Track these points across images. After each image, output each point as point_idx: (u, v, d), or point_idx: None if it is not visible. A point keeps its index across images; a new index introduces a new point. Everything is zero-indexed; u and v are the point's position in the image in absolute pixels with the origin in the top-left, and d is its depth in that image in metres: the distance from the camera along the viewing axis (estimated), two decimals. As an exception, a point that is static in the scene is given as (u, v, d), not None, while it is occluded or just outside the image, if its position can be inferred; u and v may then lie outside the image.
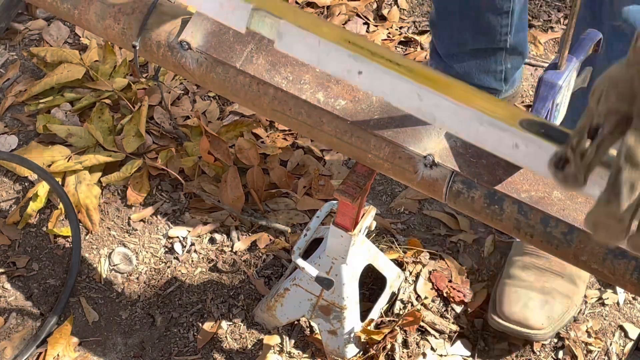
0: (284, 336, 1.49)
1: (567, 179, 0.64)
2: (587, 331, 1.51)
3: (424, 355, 1.47)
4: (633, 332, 1.51)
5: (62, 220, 1.66)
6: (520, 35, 1.67)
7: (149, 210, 1.68)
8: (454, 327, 1.51)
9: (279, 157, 1.74)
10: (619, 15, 1.29)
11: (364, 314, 1.47)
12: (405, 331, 1.48)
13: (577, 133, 0.62)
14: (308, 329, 1.51)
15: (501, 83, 1.73)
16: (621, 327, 1.52)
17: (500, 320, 1.45)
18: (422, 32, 2.08)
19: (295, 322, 1.51)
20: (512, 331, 1.45)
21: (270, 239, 1.63)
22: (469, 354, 1.49)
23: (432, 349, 1.48)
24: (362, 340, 1.45)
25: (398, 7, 2.13)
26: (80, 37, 2.01)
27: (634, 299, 1.56)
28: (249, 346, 1.49)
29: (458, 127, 0.79)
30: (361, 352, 1.46)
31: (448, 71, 1.73)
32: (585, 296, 1.53)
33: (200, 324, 1.51)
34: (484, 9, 1.58)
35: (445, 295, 1.54)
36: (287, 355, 1.47)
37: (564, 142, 0.70)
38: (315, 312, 1.42)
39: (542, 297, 1.46)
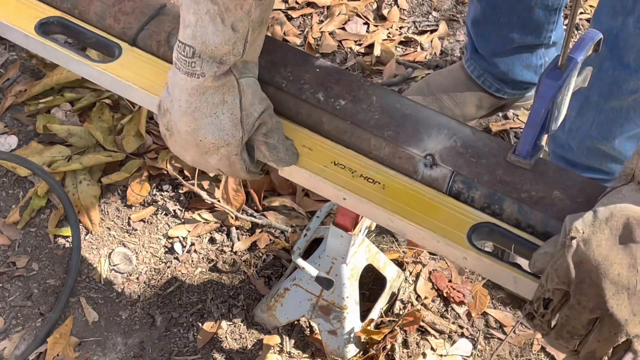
0: (284, 336, 1.49)
1: (536, 328, 0.86)
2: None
3: (424, 355, 1.47)
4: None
5: (62, 220, 1.66)
6: (559, 30, 1.68)
7: (149, 210, 1.68)
8: (454, 327, 1.51)
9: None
10: None
11: (364, 314, 1.47)
12: (405, 331, 1.48)
13: (536, 301, 0.84)
14: (308, 329, 1.51)
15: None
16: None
17: None
18: (422, 32, 2.08)
19: (295, 322, 1.51)
20: None
21: (270, 239, 1.63)
22: (469, 354, 1.49)
23: (432, 349, 1.48)
24: (362, 340, 1.45)
25: (398, 7, 2.13)
26: (80, 37, 2.01)
27: (634, 299, 1.56)
28: (249, 346, 1.49)
29: (421, 242, 0.99)
30: (361, 352, 1.46)
31: (491, 69, 1.74)
32: None
33: (200, 324, 1.51)
34: (536, 6, 1.59)
35: (445, 295, 1.54)
36: (287, 355, 1.47)
37: (498, 256, 0.93)
38: (315, 312, 1.42)
39: None
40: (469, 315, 1.53)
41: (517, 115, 1.88)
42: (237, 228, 1.65)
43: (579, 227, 0.81)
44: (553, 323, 0.85)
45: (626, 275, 0.78)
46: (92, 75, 1.15)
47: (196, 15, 0.91)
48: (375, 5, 2.15)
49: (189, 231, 1.65)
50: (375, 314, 1.49)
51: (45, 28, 1.16)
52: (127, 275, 1.59)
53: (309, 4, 2.14)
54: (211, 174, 1.05)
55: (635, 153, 0.83)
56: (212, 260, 1.61)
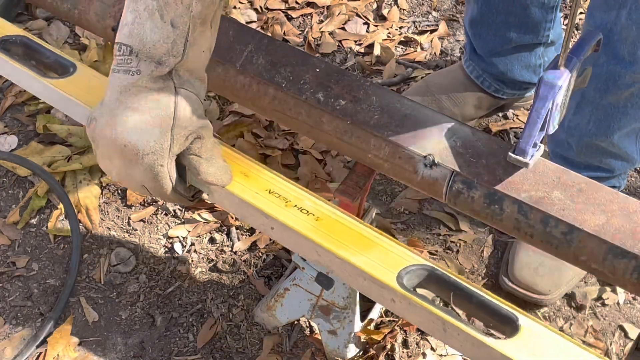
0: (284, 336, 1.49)
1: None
2: (587, 331, 1.51)
3: (424, 355, 1.47)
4: (633, 332, 1.51)
5: (62, 220, 1.66)
6: (557, 28, 1.68)
7: (149, 210, 1.68)
8: (454, 327, 1.51)
9: (279, 159, 1.74)
10: None
11: (364, 314, 1.47)
12: (405, 331, 1.48)
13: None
14: (308, 329, 1.51)
15: (539, 77, 1.75)
16: (621, 327, 1.52)
17: (509, 283, 1.51)
18: (422, 32, 2.08)
19: (295, 322, 1.51)
20: (519, 294, 1.50)
21: (270, 239, 1.63)
22: (469, 354, 1.49)
23: (432, 349, 1.48)
24: (362, 340, 1.45)
25: (398, 7, 2.13)
26: (80, 37, 2.01)
27: (634, 299, 1.56)
28: (249, 346, 1.49)
29: (347, 279, 0.93)
30: (361, 352, 1.46)
31: (490, 70, 1.74)
32: None
33: (200, 324, 1.51)
34: (532, 5, 1.59)
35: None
36: (287, 355, 1.47)
37: (425, 300, 0.87)
38: (315, 312, 1.42)
39: (554, 263, 1.48)
40: (468, 315, 1.53)
41: (517, 115, 1.88)
42: (237, 228, 1.65)
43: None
44: None
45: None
46: (38, 90, 1.11)
47: (134, 13, 0.86)
48: (375, 5, 2.15)
49: (189, 231, 1.65)
50: (375, 314, 1.49)
51: (5, 45, 1.13)
52: (127, 275, 1.59)
53: (309, 4, 2.14)
54: (137, 192, 0.99)
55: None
56: (212, 260, 1.61)
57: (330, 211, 0.96)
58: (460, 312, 0.90)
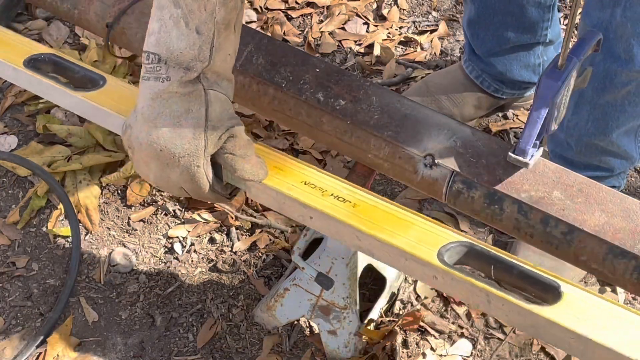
0: (284, 336, 1.49)
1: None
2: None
3: (424, 355, 1.47)
4: (633, 332, 1.51)
5: (62, 220, 1.66)
6: (556, 28, 1.68)
7: (149, 210, 1.68)
8: (454, 327, 1.51)
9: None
10: None
11: (364, 314, 1.47)
12: (405, 331, 1.48)
13: None
14: (308, 329, 1.51)
15: (538, 77, 1.75)
16: (621, 327, 1.52)
17: None
18: (422, 32, 2.08)
19: (295, 322, 1.51)
20: None
21: (270, 239, 1.63)
22: (469, 354, 1.49)
23: (432, 349, 1.48)
24: (362, 340, 1.45)
25: (398, 7, 2.13)
26: (80, 37, 2.01)
27: (634, 298, 1.56)
28: (249, 346, 1.49)
29: (389, 261, 0.94)
30: (361, 352, 1.46)
31: (489, 70, 1.74)
32: None
33: (200, 324, 1.51)
34: (528, 4, 1.59)
35: (445, 295, 1.54)
36: (287, 355, 1.47)
37: (464, 270, 0.89)
38: (315, 312, 1.42)
39: (553, 263, 1.47)
40: (468, 315, 1.53)
41: (517, 115, 1.88)
42: (237, 228, 1.65)
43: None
44: None
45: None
46: (71, 105, 1.13)
47: (160, 22, 0.88)
48: (375, 5, 2.15)
49: (189, 231, 1.65)
50: (375, 314, 1.49)
51: (35, 64, 1.15)
52: (127, 275, 1.59)
53: (309, 4, 2.14)
54: (176, 195, 0.99)
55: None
56: (212, 260, 1.61)
57: (366, 197, 0.98)
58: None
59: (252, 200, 1.68)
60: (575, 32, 1.81)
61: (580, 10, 1.41)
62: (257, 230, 1.65)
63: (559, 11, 1.97)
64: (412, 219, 0.95)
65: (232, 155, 0.96)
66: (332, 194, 0.98)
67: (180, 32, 0.88)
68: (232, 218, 1.65)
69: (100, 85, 1.12)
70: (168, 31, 0.88)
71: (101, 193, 1.70)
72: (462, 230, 1.64)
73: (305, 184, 0.99)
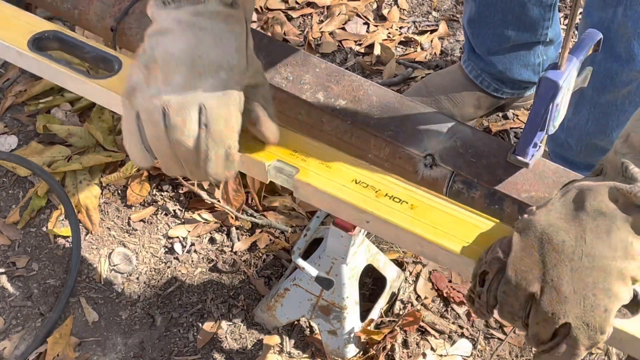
0: (284, 336, 1.49)
1: (477, 313, 0.78)
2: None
3: (424, 355, 1.47)
4: (633, 332, 1.51)
5: (62, 220, 1.66)
6: (556, 27, 1.68)
7: (149, 210, 1.68)
8: (454, 327, 1.51)
9: (279, 157, 1.74)
10: None
11: (364, 314, 1.47)
12: (405, 331, 1.48)
13: (473, 278, 0.77)
14: (308, 329, 1.51)
15: (538, 76, 1.75)
16: (621, 327, 1.52)
17: None
18: (422, 32, 2.08)
19: (295, 322, 1.51)
20: None
21: (270, 239, 1.63)
22: (469, 354, 1.49)
23: (432, 349, 1.48)
24: (362, 340, 1.45)
25: (398, 7, 2.13)
26: (80, 37, 2.01)
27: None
28: (249, 346, 1.49)
29: (456, 269, 0.88)
30: (361, 352, 1.46)
31: (488, 69, 1.74)
32: None
33: (200, 324, 1.51)
34: (530, 3, 1.59)
35: (445, 295, 1.54)
36: (287, 355, 1.47)
37: None
38: (315, 312, 1.42)
39: None
40: (468, 315, 1.53)
41: (517, 115, 1.88)
42: (237, 228, 1.65)
43: (534, 207, 0.75)
44: (493, 304, 0.77)
45: (571, 244, 0.70)
46: (90, 93, 1.04)
47: None
48: (375, 5, 2.15)
49: (189, 231, 1.65)
50: (375, 314, 1.49)
51: (39, 44, 1.06)
52: (127, 275, 1.59)
53: (309, 4, 2.14)
54: (186, 117, 0.81)
55: (612, 149, 0.79)
56: (212, 260, 1.61)
57: (424, 196, 0.89)
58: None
59: (252, 200, 1.68)
60: (576, 32, 1.81)
61: (580, 10, 1.41)
62: (257, 230, 1.65)
63: (559, 11, 1.97)
64: (477, 222, 0.87)
65: (261, 103, 0.87)
66: (386, 194, 0.89)
67: None
68: (232, 218, 1.65)
69: (115, 71, 1.02)
70: None
71: (101, 193, 1.70)
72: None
73: (356, 182, 0.91)
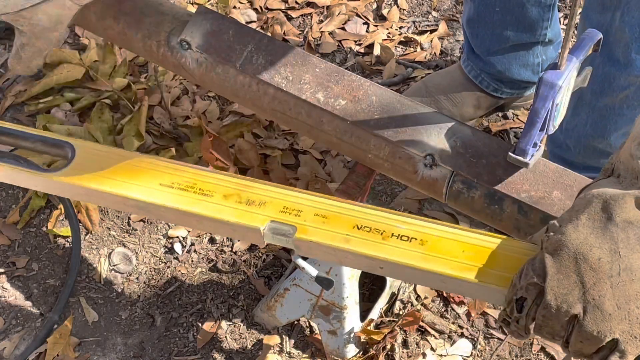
0: (284, 336, 1.49)
1: (513, 334, 0.77)
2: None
3: (424, 355, 1.47)
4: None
5: (62, 220, 1.66)
6: (555, 27, 1.68)
7: (149, 210, 1.68)
8: (454, 327, 1.51)
9: (279, 159, 1.74)
10: None
11: (364, 314, 1.47)
12: (405, 331, 1.48)
13: (508, 304, 0.76)
14: (308, 329, 1.51)
15: (537, 76, 1.75)
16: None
17: None
18: (422, 32, 2.08)
19: (295, 322, 1.51)
20: None
21: (270, 239, 1.63)
22: (468, 354, 1.49)
23: (432, 349, 1.48)
24: (362, 340, 1.45)
25: (398, 7, 2.13)
26: (80, 37, 2.01)
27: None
28: (249, 346, 1.49)
29: (485, 298, 0.87)
30: (361, 352, 1.46)
31: (488, 69, 1.74)
32: None
33: (200, 324, 1.51)
34: (529, 3, 1.59)
35: (445, 295, 1.54)
36: (287, 355, 1.47)
37: None
38: (315, 312, 1.42)
39: None
40: (468, 315, 1.53)
41: (517, 115, 1.88)
42: (237, 228, 1.65)
43: (557, 222, 0.74)
44: (531, 327, 0.76)
45: (608, 260, 0.69)
46: (50, 188, 0.97)
47: None
48: (375, 5, 2.15)
49: (189, 231, 1.65)
50: (375, 314, 1.49)
51: None
52: (127, 275, 1.59)
53: (309, 4, 2.14)
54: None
55: (617, 149, 0.79)
56: (212, 260, 1.61)
57: (429, 228, 0.86)
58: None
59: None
60: (575, 32, 1.81)
61: (580, 10, 1.41)
62: (257, 230, 1.65)
63: (559, 11, 1.97)
64: (489, 244, 0.84)
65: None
66: (392, 234, 0.86)
67: None
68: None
69: (71, 158, 0.95)
70: None
71: (101, 193, 1.69)
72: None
73: (358, 228, 0.87)
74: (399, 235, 0.86)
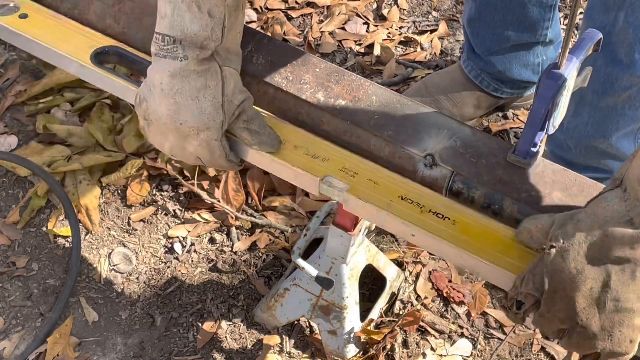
0: (284, 336, 1.49)
1: (510, 318, 0.88)
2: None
3: (424, 355, 1.47)
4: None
5: (62, 220, 1.66)
6: (556, 27, 1.68)
7: (149, 210, 1.68)
8: (454, 327, 1.51)
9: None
10: None
11: (364, 314, 1.47)
12: (405, 331, 1.48)
13: (509, 299, 0.86)
14: (308, 329, 1.51)
15: (537, 76, 1.75)
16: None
17: None
18: (422, 32, 2.08)
19: (295, 322, 1.51)
20: None
21: (270, 239, 1.63)
22: (469, 354, 1.49)
23: (432, 349, 1.48)
24: (362, 340, 1.45)
25: (398, 7, 2.13)
26: (80, 37, 2.01)
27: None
28: (249, 346, 1.49)
29: (495, 281, 0.95)
30: (361, 352, 1.46)
31: (488, 69, 1.74)
32: None
33: (200, 324, 1.51)
34: (530, 3, 1.59)
35: (445, 295, 1.54)
36: (287, 355, 1.47)
37: None
38: (315, 312, 1.42)
39: None
40: (468, 315, 1.53)
41: (517, 115, 1.88)
42: (237, 228, 1.65)
43: (560, 237, 0.81)
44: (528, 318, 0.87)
45: (598, 291, 0.78)
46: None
47: (172, 4, 0.92)
48: (375, 5, 2.15)
49: (189, 231, 1.65)
50: (375, 314, 1.49)
51: (100, 58, 1.16)
52: (127, 275, 1.59)
53: (309, 4, 2.14)
54: (189, 163, 1.07)
55: (628, 159, 0.83)
56: (212, 260, 1.61)
57: (464, 213, 0.97)
58: None
59: (252, 200, 1.68)
60: (576, 32, 1.81)
61: (580, 10, 1.41)
62: (257, 230, 1.65)
63: (559, 11, 1.97)
64: (511, 234, 0.94)
65: (246, 128, 1.01)
66: (430, 210, 0.97)
67: (193, 16, 0.92)
68: (232, 218, 1.65)
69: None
70: (181, 15, 0.93)
71: (101, 193, 1.70)
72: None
73: (402, 198, 0.98)
74: (435, 212, 0.97)
